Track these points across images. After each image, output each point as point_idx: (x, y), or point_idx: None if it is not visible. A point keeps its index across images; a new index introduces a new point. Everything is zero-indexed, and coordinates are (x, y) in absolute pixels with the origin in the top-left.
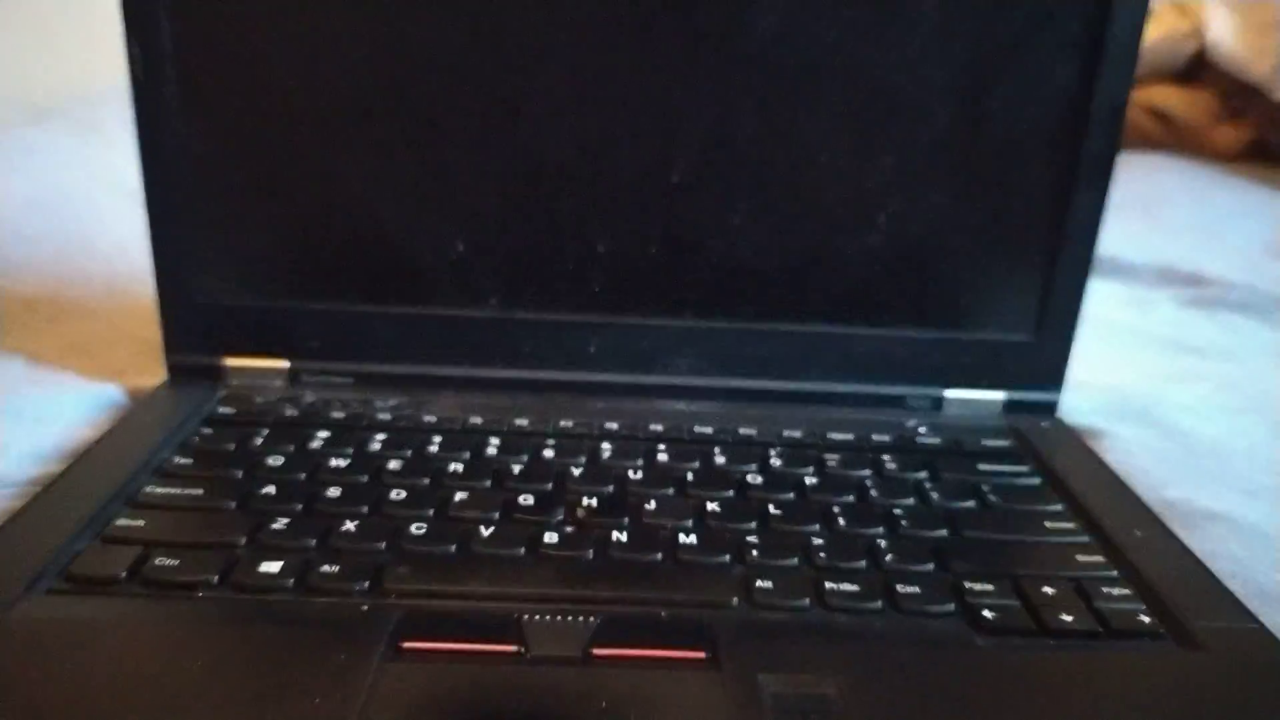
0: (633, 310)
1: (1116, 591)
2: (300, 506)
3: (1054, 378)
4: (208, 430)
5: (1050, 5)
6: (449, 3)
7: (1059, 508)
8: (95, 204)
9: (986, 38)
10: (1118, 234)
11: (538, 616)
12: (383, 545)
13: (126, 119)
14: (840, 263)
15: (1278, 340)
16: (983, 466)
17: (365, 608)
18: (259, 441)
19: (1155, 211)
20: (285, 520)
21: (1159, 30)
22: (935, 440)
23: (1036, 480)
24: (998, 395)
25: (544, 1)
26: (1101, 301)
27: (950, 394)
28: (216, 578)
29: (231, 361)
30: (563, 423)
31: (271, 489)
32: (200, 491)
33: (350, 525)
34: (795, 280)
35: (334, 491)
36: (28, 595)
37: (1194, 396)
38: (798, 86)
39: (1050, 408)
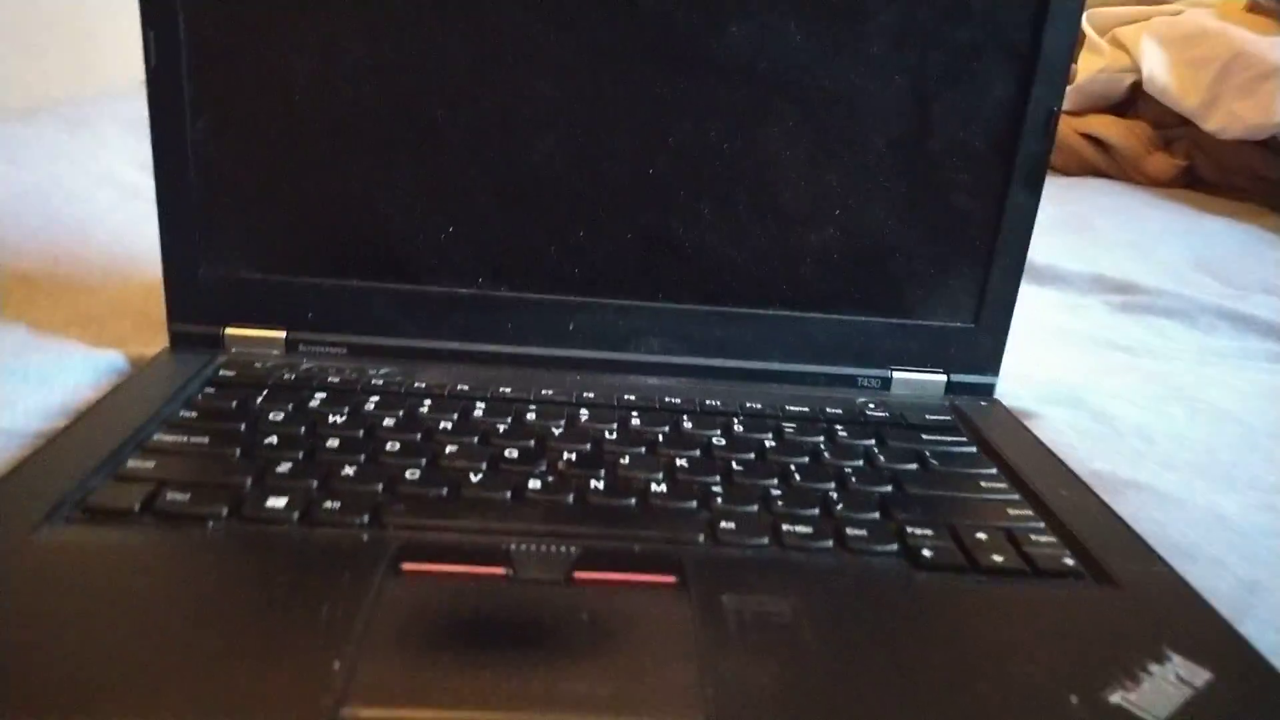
0: (609, 293)
1: (1043, 539)
2: (301, 454)
3: (992, 362)
4: (211, 390)
5: (990, 25)
6: (449, 9)
7: (992, 471)
8: (88, 195)
9: (932, 53)
10: (1056, 246)
11: (524, 546)
12: (380, 487)
13: (115, 117)
14: (798, 254)
15: (1201, 341)
16: (925, 437)
17: (365, 538)
18: (260, 400)
19: (1091, 228)
20: (288, 465)
21: (1099, 63)
22: (883, 414)
23: (973, 449)
24: (940, 377)
25: (536, 11)
26: (1039, 305)
27: (898, 375)
28: (225, 510)
29: (231, 331)
30: (543, 391)
31: (274, 439)
32: (206, 440)
33: (349, 470)
34: (758, 269)
35: (333, 443)
36: (48, 522)
37: (1121, 386)
38: (762, 96)
39: (989, 389)
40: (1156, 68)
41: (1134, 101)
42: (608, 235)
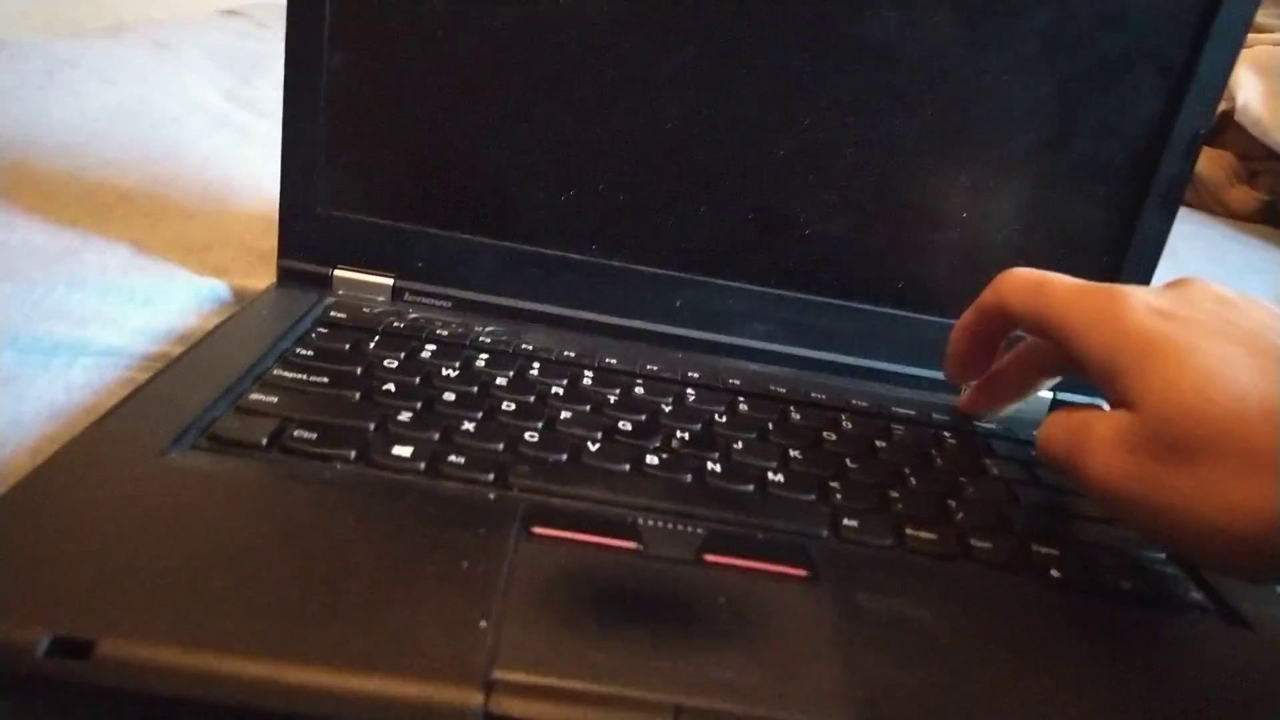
0: (719, 273)
1: (1168, 570)
2: (420, 405)
3: None
4: (323, 330)
5: (1147, 37)
6: None
7: None
8: (178, 119)
9: (1083, 59)
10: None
11: (651, 521)
12: (500, 447)
13: (196, 43)
14: (917, 252)
15: None
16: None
17: (492, 496)
18: (372, 345)
19: (1173, 255)
20: (408, 415)
21: None
22: (990, 424)
23: None
24: (1047, 393)
25: None
26: None
27: None
28: (353, 454)
29: (340, 273)
30: (649, 367)
31: (391, 387)
32: (325, 380)
33: (469, 426)
34: (873, 263)
35: (449, 396)
36: (176, 447)
37: None
38: (902, 85)
39: (1096, 407)
40: (1252, 97)
41: (1222, 130)
42: (726, 214)
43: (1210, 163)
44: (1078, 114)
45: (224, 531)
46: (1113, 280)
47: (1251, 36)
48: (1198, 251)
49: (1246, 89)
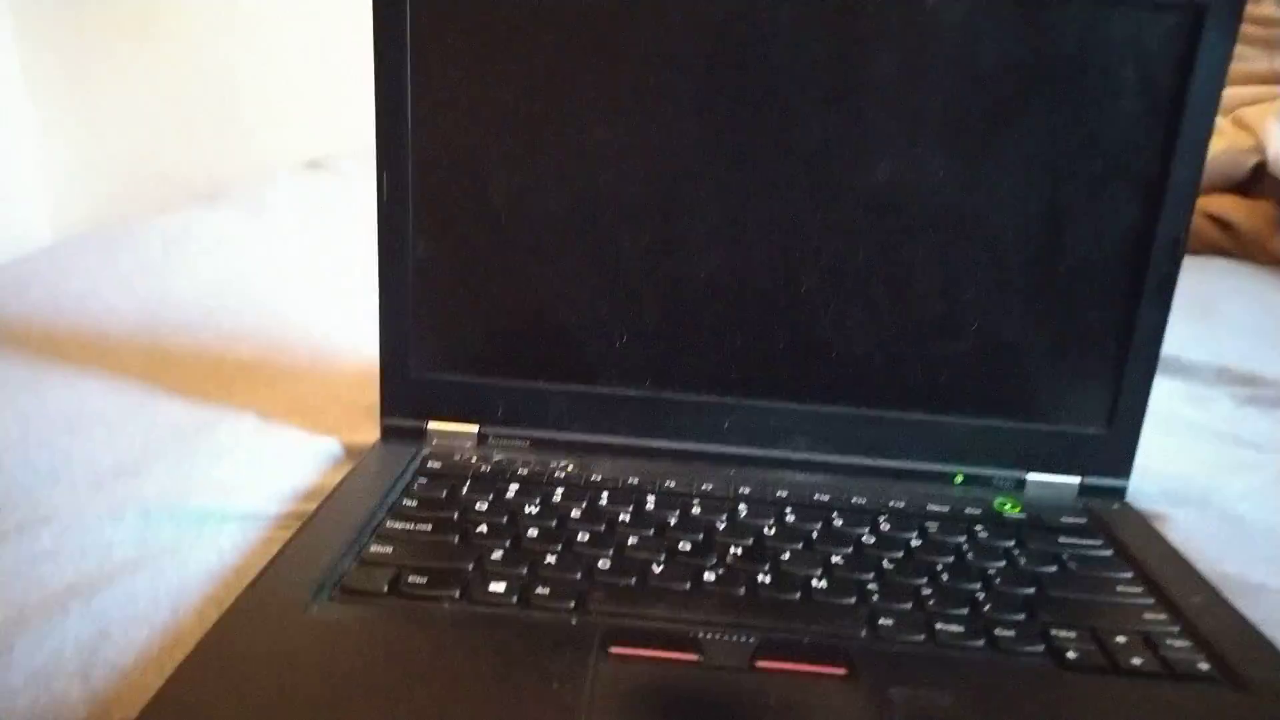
0: (761, 394)
1: (1178, 643)
2: (508, 543)
3: (1123, 466)
4: (423, 480)
5: (1120, 157)
6: (625, 156)
7: (1128, 575)
8: (278, 283)
9: (1065, 181)
10: (1181, 334)
11: (709, 634)
12: (578, 575)
13: (288, 203)
14: (938, 362)
15: None
16: (1062, 539)
17: (574, 622)
18: (465, 491)
19: (1216, 312)
20: (500, 553)
21: (1221, 143)
22: (1020, 515)
23: (1109, 552)
24: (1074, 479)
25: (704, 151)
26: (1166, 397)
27: (1032, 477)
28: (456, 593)
29: (433, 425)
30: (704, 486)
31: (483, 528)
32: (429, 527)
33: (551, 559)
34: (899, 374)
35: (532, 532)
36: (316, 601)
37: (1249, 486)
38: (905, 218)
39: (1120, 492)
40: None
41: (1258, 181)
42: (762, 343)
43: (1251, 213)
44: (1067, 228)
45: (360, 676)
46: (1119, 371)
47: (1276, 89)
48: (1241, 304)
49: (1276, 141)
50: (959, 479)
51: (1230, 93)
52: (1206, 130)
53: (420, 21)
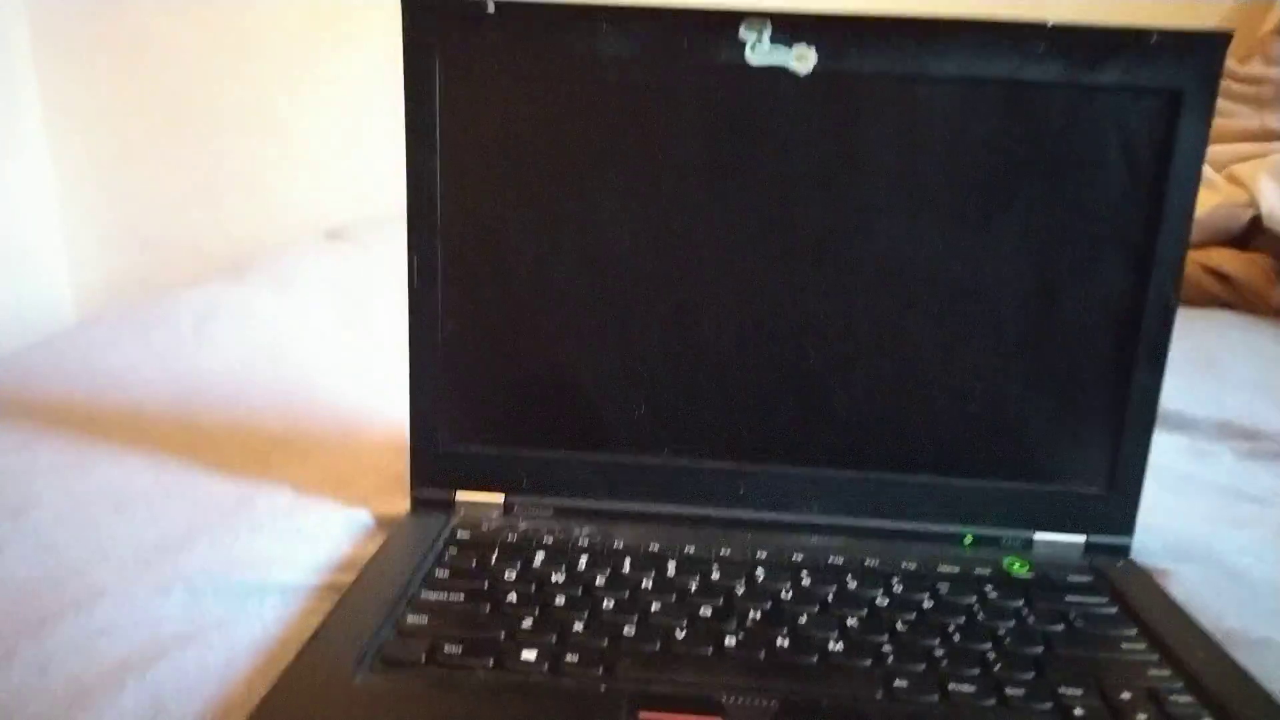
0: (775, 460)
1: (1181, 699)
2: (537, 611)
3: (1126, 524)
4: (453, 550)
5: (1107, 228)
6: (640, 236)
7: (1133, 632)
8: (306, 355)
9: (1057, 253)
10: (1183, 389)
11: (732, 699)
12: (605, 643)
13: (312, 275)
14: (944, 427)
15: None
16: (1069, 598)
17: (603, 689)
18: (494, 560)
19: (1217, 366)
20: (530, 621)
21: (1216, 199)
22: (1027, 575)
23: (1114, 610)
24: (1079, 538)
25: (715, 233)
26: (1169, 453)
27: (1039, 536)
28: (491, 662)
29: (461, 495)
30: (723, 551)
31: (513, 597)
32: (461, 597)
33: (579, 626)
34: (908, 439)
35: (560, 600)
36: (358, 671)
37: (1251, 540)
38: (904, 287)
39: (1124, 549)
40: (1276, 205)
41: (1254, 234)
42: (774, 410)
43: (1248, 266)
44: (1062, 299)
45: None
46: (1118, 432)
47: (1266, 146)
48: (1241, 356)
49: (1269, 196)
50: (968, 540)
51: (1223, 149)
52: (1190, 202)
53: (449, 114)
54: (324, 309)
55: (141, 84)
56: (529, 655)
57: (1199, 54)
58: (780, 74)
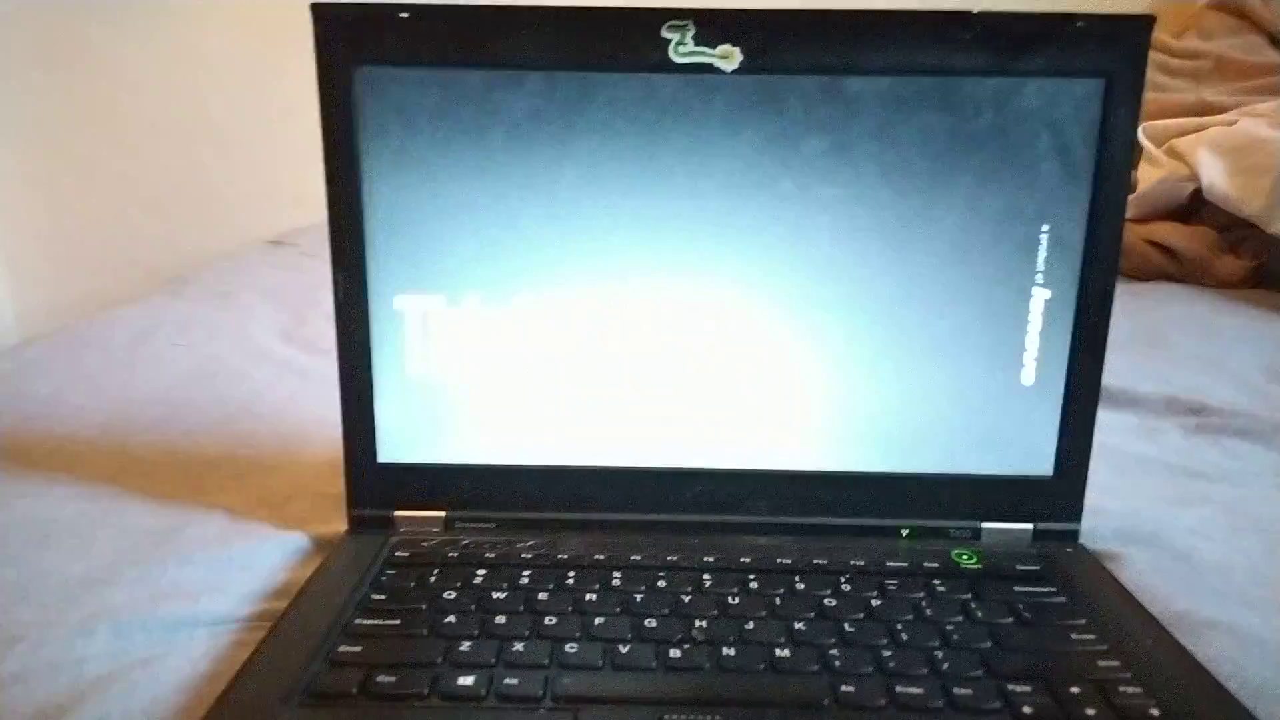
0: (721, 462)
1: (1131, 690)
2: (477, 631)
3: (1073, 510)
4: (391, 571)
5: (1043, 214)
6: (571, 242)
7: (1082, 622)
8: (247, 373)
9: (994, 242)
10: (1130, 365)
11: (676, 715)
12: (546, 661)
13: (253, 285)
14: (886, 418)
15: (1276, 462)
16: (1017, 588)
17: (542, 710)
18: (433, 579)
19: (1164, 342)
20: (469, 644)
21: (1159, 173)
22: (976, 565)
23: (1063, 599)
24: (1027, 526)
25: (645, 236)
26: (1117, 432)
27: (986, 526)
28: (426, 690)
29: (400, 513)
30: (669, 557)
31: (452, 619)
32: (399, 622)
33: (519, 646)
34: (850, 434)
35: (500, 620)
36: (286, 708)
37: (1199, 519)
38: (842, 283)
39: (1073, 535)
40: (1215, 176)
41: (1196, 208)
42: (714, 411)
43: (1192, 238)
44: (999, 287)
45: None
46: (1061, 418)
47: (1204, 120)
48: (1187, 329)
49: (1208, 168)
50: (914, 534)
51: (1164, 124)
52: (1122, 184)
53: (368, 122)
54: (265, 322)
55: (82, 96)
56: (466, 680)
57: (1125, 38)
58: (707, 72)
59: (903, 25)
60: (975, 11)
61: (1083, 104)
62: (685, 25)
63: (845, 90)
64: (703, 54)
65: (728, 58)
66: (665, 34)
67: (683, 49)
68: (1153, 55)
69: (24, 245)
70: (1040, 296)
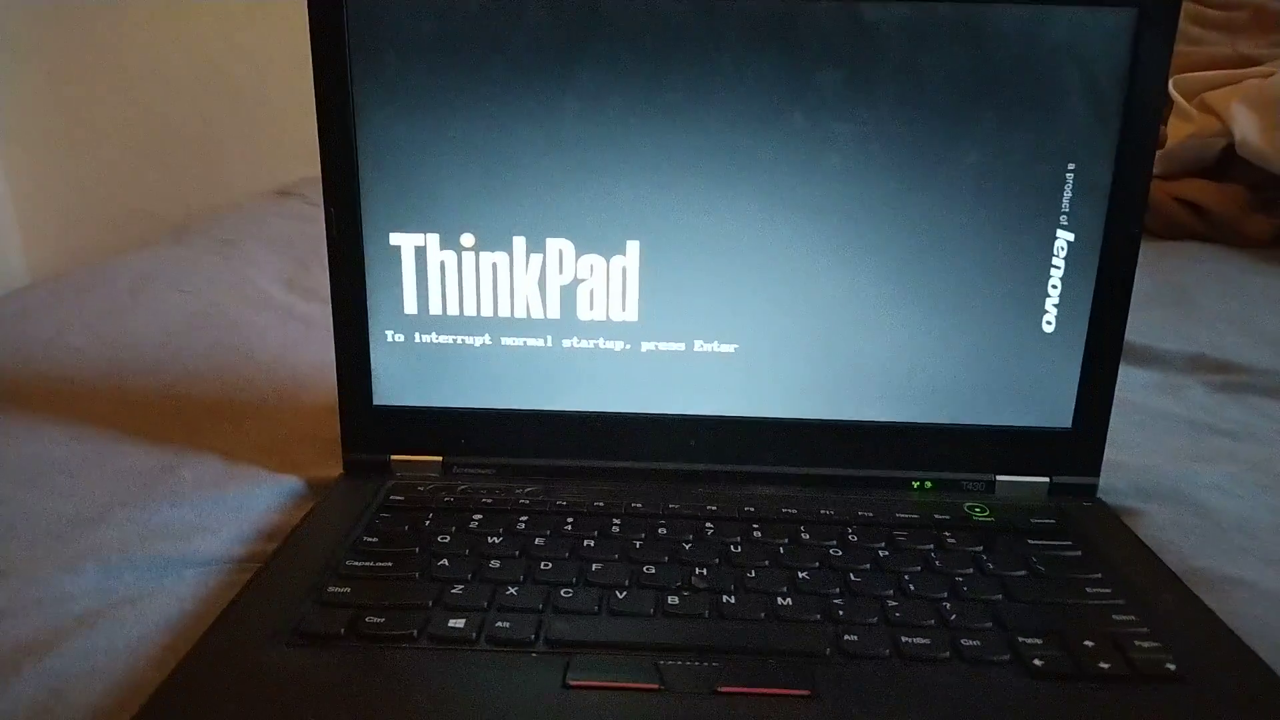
0: (726, 409)
1: (1147, 644)
2: (470, 575)
3: (1092, 464)
4: (385, 515)
5: (1068, 155)
6: (578, 176)
7: (1097, 576)
8: (248, 320)
9: (1016, 184)
10: (1155, 322)
11: (672, 661)
12: (540, 606)
13: (257, 234)
14: (902, 366)
15: None
16: (1031, 542)
17: (534, 655)
18: (428, 523)
19: (1189, 300)
20: (461, 587)
21: (1190, 128)
22: (989, 519)
23: (1078, 553)
24: (1043, 479)
25: (657, 170)
26: (1140, 389)
27: (1001, 479)
28: (415, 632)
29: (397, 458)
30: (671, 505)
31: (445, 562)
32: (390, 564)
33: (513, 590)
34: (863, 381)
35: (495, 564)
36: (272, 647)
37: (1222, 476)
38: (859, 224)
39: (1091, 490)
40: (1249, 131)
41: (1227, 165)
42: (721, 355)
43: (1222, 196)
44: (1022, 232)
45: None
46: (1082, 369)
47: (1239, 72)
48: (1213, 289)
49: (1242, 123)
50: (928, 484)
51: (1196, 77)
52: (1153, 127)
53: (360, 55)
54: (268, 270)
55: (89, 49)
56: (457, 623)
57: None
58: None
59: None
60: None
61: (1113, 37)
62: None
63: (863, 18)
64: None
65: None
66: None
67: None
68: (1187, 6)
69: (35, 200)
70: (1064, 240)
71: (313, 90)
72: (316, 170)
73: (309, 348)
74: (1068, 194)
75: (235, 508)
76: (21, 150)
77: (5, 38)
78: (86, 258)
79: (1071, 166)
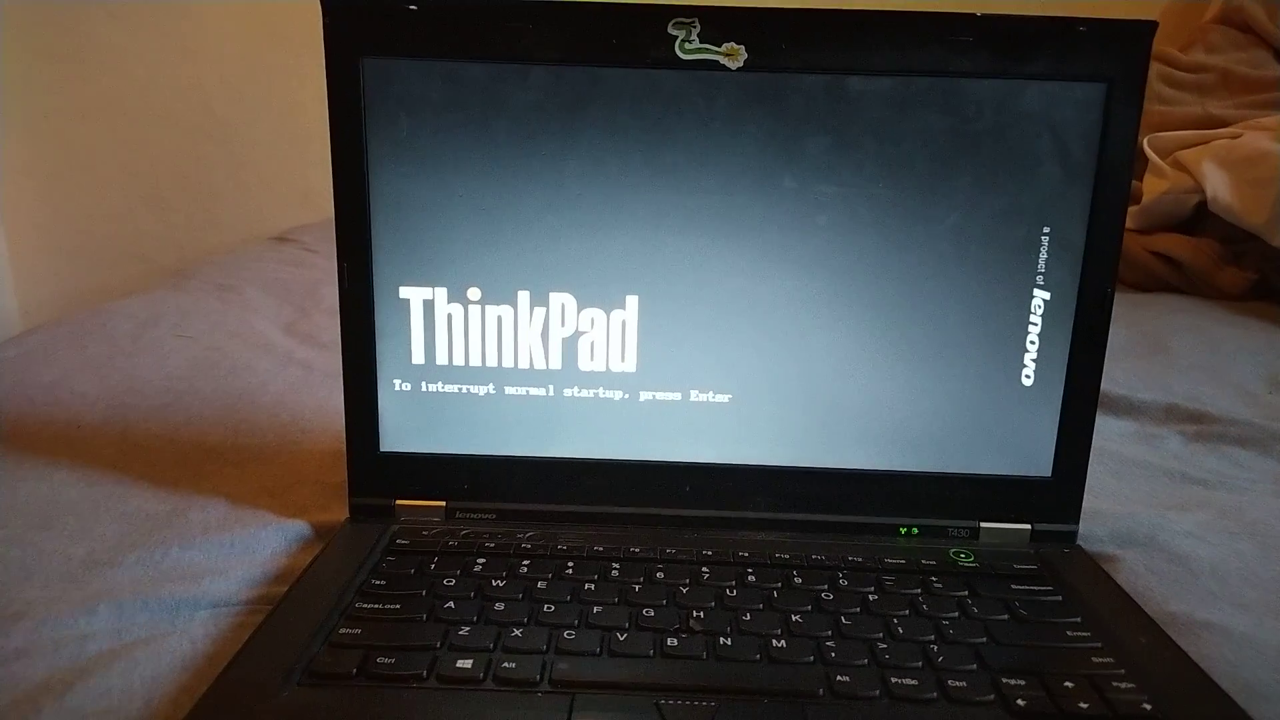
0: (720, 457)
1: (1124, 686)
2: (475, 617)
3: (1071, 512)
4: (391, 558)
5: (1043, 214)
6: (576, 235)
7: (1077, 620)
8: (249, 364)
9: (993, 243)
10: (1131, 373)
11: (671, 701)
12: (544, 647)
13: (256, 279)
14: (886, 417)
15: (1275, 470)
16: (1014, 586)
17: (540, 695)
18: (433, 566)
19: (1165, 350)
20: (467, 629)
21: (1164, 185)
22: (973, 564)
23: (1058, 598)
24: (1025, 526)
25: (649, 232)
26: (1117, 438)
27: (985, 525)
28: (425, 672)
29: (401, 502)
30: (668, 550)
31: (451, 604)
32: (398, 606)
33: (518, 632)
34: (851, 431)
35: (499, 606)
36: (285, 687)
37: (1195, 523)
38: (843, 282)
39: (1070, 536)
40: (1219, 189)
41: (1201, 219)
42: (715, 405)
43: (1195, 251)
44: (999, 288)
45: None
46: (1060, 420)
47: (1209, 132)
48: (1188, 339)
49: (1213, 181)
50: (914, 531)
51: (1170, 137)
52: (1123, 188)
53: (375, 116)
54: (268, 316)
55: (87, 91)
56: (464, 664)
57: (1127, 42)
58: (711, 69)
59: (906, 26)
60: (979, 14)
61: (1084, 107)
62: (691, 22)
63: (848, 89)
64: (708, 51)
65: (732, 55)
66: (671, 30)
67: (688, 46)
68: (1158, 68)
69: (29, 240)
70: (1040, 298)
71: (307, 139)
72: (310, 216)
73: (309, 392)
74: (1043, 254)
75: (244, 550)
76: (15, 191)
77: (4, 82)
78: (80, 300)
79: (1046, 229)
